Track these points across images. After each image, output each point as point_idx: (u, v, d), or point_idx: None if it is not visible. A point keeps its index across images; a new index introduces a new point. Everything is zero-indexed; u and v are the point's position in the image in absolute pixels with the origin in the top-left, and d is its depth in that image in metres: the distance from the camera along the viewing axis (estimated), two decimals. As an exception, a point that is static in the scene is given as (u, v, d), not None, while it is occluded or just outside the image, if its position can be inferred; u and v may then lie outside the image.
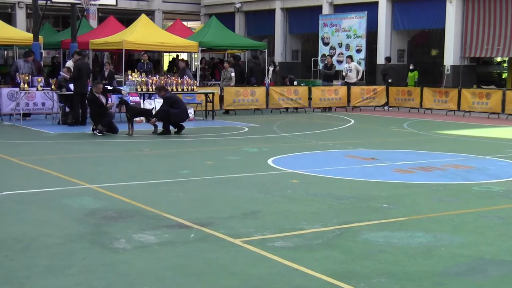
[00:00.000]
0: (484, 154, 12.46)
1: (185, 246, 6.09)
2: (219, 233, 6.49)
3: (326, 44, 29.46)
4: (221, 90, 21.44)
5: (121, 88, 18.47)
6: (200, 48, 25.28)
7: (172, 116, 15.15)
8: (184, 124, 15.60)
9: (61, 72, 19.44)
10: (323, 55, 28.27)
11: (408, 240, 6.33)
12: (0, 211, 7.49)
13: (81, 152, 12.43)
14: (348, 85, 23.83)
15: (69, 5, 23.91)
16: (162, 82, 17.64)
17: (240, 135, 15.69)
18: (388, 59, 25.86)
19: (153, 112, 15.89)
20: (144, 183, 9.23)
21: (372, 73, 27.95)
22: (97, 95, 15.28)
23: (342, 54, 28.53)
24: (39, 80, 17.60)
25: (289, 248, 6.02)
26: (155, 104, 17.40)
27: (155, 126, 15.26)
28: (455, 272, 5.38)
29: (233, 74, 22.73)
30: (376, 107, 24.03)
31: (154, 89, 17.06)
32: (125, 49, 22.93)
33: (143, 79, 18.08)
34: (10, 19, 30.81)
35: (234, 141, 14.52)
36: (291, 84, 24.93)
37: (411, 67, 25.94)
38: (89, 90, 16.22)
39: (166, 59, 36.72)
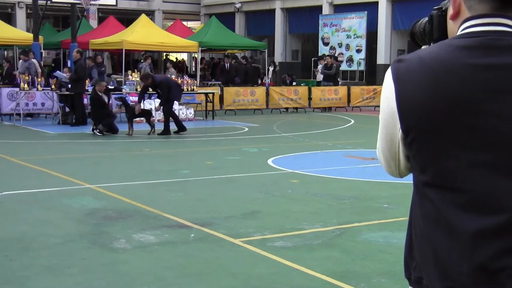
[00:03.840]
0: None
1: (185, 246, 6.09)
2: (219, 233, 6.49)
3: (326, 44, 29.45)
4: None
5: (121, 87, 18.49)
6: (200, 48, 25.27)
7: (172, 96, 15.11)
8: (185, 125, 15.60)
9: (56, 72, 19.50)
10: (323, 55, 28.26)
11: (408, 240, 6.32)
12: (0, 211, 7.49)
13: (81, 152, 12.44)
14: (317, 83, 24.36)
15: (69, 5, 23.89)
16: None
17: (240, 135, 15.69)
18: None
19: (153, 113, 15.89)
20: (144, 183, 9.23)
21: (372, 73, 27.93)
22: (100, 94, 15.29)
23: (342, 54, 28.55)
24: (39, 80, 17.61)
25: (289, 248, 6.02)
26: (155, 104, 17.39)
27: (152, 126, 15.20)
28: (455, 272, 5.38)
29: (173, 76, 22.87)
30: (376, 107, 24.02)
31: (140, 79, 16.57)
32: (125, 49, 22.92)
33: (143, 79, 18.07)
34: (10, 19, 30.80)
35: (234, 141, 14.52)
36: (292, 83, 24.83)
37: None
38: (90, 89, 16.24)
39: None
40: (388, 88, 1.69)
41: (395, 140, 1.72)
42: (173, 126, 15.33)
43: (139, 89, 17.79)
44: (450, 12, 1.75)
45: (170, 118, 15.34)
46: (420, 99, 1.62)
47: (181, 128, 15.38)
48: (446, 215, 1.62)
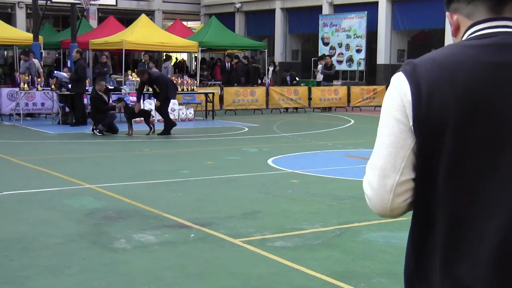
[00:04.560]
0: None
1: (185, 246, 6.09)
2: (219, 233, 6.49)
3: (326, 44, 29.45)
4: None
5: (121, 87, 18.49)
6: (200, 48, 25.28)
7: (169, 94, 15.17)
8: (177, 123, 15.55)
9: (56, 72, 19.51)
10: (323, 55, 28.29)
11: (408, 240, 6.31)
12: (0, 211, 7.49)
13: (81, 152, 12.43)
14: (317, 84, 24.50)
15: (69, 5, 23.89)
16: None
17: (240, 135, 15.69)
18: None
19: (153, 113, 15.87)
20: (144, 183, 9.23)
21: (372, 73, 27.94)
22: (100, 94, 15.30)
23: (342, 54, 28.54)
24: (39, 80, 17.61)
25: (289, 248, 6.02)
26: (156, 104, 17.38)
27: (151, 127, 15.19)
28: (455, 272, 5.38)
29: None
30: (376, 107, 24.02)
31: (136, 74, 16.60)
32: (125, 49, 22.92)
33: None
34: (10, 19, 30.78)
35: (234, 141, 14.52)
36: (292, 81, 24.69)
37: (408, 68, 25.94)
38: (90, 89, 16.23)
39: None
40: (401, 87, 1.63)
41: (411, 138, 1.63)
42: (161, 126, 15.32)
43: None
44: (451, 29, 1.75)
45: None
46: (436, 97, 1.58)
47: (170, 126, 15.30)
48: (467, 220, 1.58)
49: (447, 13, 1.76)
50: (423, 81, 1.60)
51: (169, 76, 20.45)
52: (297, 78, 25.08)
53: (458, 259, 1.60)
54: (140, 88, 15.55)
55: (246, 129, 16.93)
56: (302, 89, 23.20)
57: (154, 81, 15.19)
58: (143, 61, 23.80)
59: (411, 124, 1.61)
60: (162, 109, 15.32)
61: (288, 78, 24.66)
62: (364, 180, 1.73)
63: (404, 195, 1.67)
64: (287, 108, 22.80)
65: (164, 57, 23.01)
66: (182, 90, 18.60)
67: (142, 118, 15.98)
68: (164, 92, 15.02)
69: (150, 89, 17.71)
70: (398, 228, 6.77)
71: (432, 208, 1.63)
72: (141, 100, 17.44)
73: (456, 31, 1.73)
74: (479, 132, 1.57)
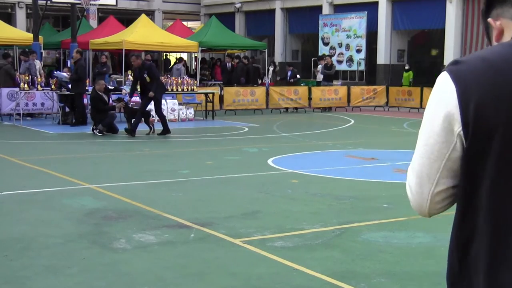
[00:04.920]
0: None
1: (185, 246, 6.09)
2: (219, 233, 6.49)
3: (326, 44, 29.45)
4: None
5: (121, 87, 18.49)
6: (200, 48, 25.28)
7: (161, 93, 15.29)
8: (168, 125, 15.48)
9: (55, 72, 19.52)
10: (323, 55, 28.28)
11: (408, 240, 6.33)
12: (0, 211, 7.49)
13: (81, 152, 12.43)
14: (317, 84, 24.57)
15: (69, 5, 23.90)
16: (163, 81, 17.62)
17: (240, 135, 15.69)
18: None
19: (151, 113, 15.86)
20: (144, 183, 9.22)
21: (372, 73, 27.94)
22: (100, 94, 15.31)
23: (342, 54, 28.55)
24: (39, 80, 17.62)
25: (289, 248, 6.02)
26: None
27: (151, 127, 15.19)
28: (455, 272, 5.37)
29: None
30: (376, 107, 24.03)
31: (130, 57, 16.60)
32: (125, 49, 22.92)
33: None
34: (10, 19, 30.79)
35: (234, 141, 14.52)
36: (292, 78, 24.56)
37: (406, 67, 25.94)
38: (90, 88, 16.24)
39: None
40: (445, 91, 1.58)
41: (446, 149, 1.60)
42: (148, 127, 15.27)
43: (138, 89, 17.76)
44: (494, 34, 1.70)
45: (166, 118, 15.41)
46: (486, 98, 1.52)
47: (132, 128, 15.19)
48: None
49: (489, 20, 1.71)
50: (471, 81, 1.55)
51: (181, 77, 20.46)
52: (297, 75, 24.99)
53: (502, 267, 1.54)
54: (134, 83, 15.67)
55: (246, 129, 16.93)
56: (302, 89, 23.20)
57: (146, 69, 15.19)
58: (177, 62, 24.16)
59: (457, 129, 1.57)
60: (156, 107, 15.31)
61: (289, 73, 24.58)
62: (406, 181, 1.73)
63: (441, 203, 1.68)
64: (287, 108, 22.80)
65: (175, 59, 23.30)
66: (182, 90, 18.59)
67: (142, 118, 15.96)
68: (156, 81, 15.05)
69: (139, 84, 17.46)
70: (398, 228, 6.77)
71: (477, 212, 1.59)
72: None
73: (499, 35, 1.69)
74: None
